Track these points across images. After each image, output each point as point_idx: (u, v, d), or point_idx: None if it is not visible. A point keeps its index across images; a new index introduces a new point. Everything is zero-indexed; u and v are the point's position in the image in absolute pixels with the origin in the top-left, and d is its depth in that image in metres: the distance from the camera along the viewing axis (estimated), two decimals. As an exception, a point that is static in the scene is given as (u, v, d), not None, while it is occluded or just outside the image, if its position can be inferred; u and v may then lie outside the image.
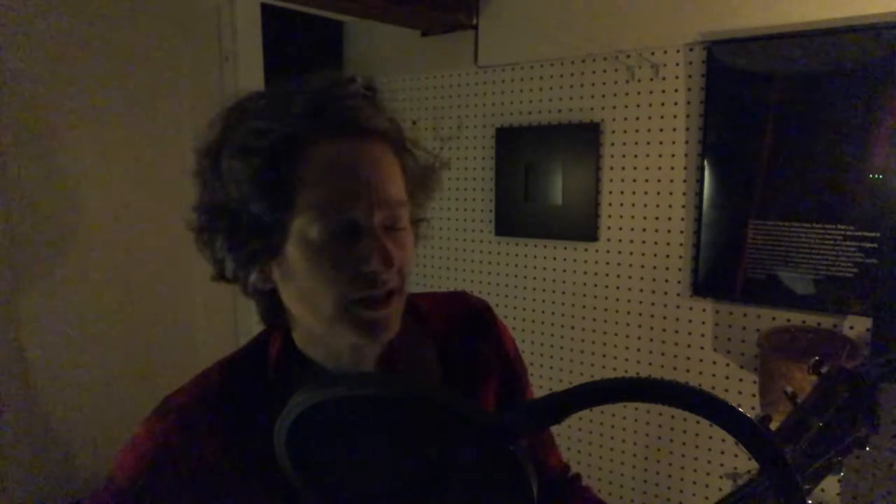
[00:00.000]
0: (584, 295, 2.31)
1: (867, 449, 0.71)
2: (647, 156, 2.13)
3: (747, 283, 1.94)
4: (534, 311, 2.44)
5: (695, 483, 2.13)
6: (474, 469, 0.49)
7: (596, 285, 2.28)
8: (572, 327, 2.35)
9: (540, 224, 2.37)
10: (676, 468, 2.16)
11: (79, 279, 2.02)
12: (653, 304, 2.16)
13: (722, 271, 1.98)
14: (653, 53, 2.07)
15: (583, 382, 0.45)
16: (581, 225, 2.27)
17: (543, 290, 2.41)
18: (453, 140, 2.58)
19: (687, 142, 2.05)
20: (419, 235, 0.80)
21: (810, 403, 0.71)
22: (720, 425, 0.43)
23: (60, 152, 1.97)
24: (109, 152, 2.07)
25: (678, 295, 2.10)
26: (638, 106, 2.13)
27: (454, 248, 2.64)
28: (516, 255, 2.47)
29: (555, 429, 0.56)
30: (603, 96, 2.21)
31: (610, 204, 2.22)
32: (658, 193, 2.11)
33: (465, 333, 0.88)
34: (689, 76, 2.02)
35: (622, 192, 2.19)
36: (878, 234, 1.73)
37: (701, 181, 2.00)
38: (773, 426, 0.71)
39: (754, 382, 1.95)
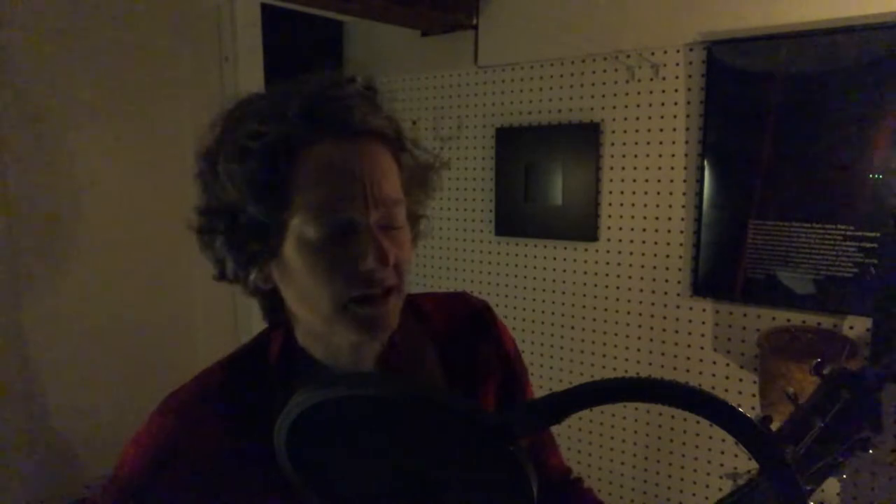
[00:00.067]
0: (584, 295, 2.31)
1: (870, 452, 0.71)
2: (647, 156, 2.13)
3: (747, 283, 1.94)
4: (534, 311, 2.44)
5: (695, 483, 2.13)
6: (474, 469, 0.49)
7: (596, 285, 2.28)
8: (572, 327, 2.35)
9: (540, 224, 2.37)
10: (676, 468, 2.16)
11: (79, 280, 2.02)
12: (653, 304, 2.16)
13: (722, 271, 1.98)
14: (653, 53, 2.07)
15: (583, 382, 0.45)
16: (581, 225, 2.27)
17: (543, 290, 2.41)
18: (453, 140, 2.57)
19: (687, 142, 2.05)
20: (419, 233, 0.81)
21: (812, 404, 0.71)
22: (720, 425, 0.43)
23: (60, 153, 1.97)
24: (109, 153, 2.07)
25: (678, 295, 2.10)
26: (638, 106, 2.13)
27: (454, 248, 2.64)
28: (516, 255, 2.47)
29: (555, 429, 0.56)
30: (603, 96, 2.21)
31: (610, 204, 2.22)
32: (658, 193, 2.11)
33: (465, 333, 0.88)
34: (689, 76, 2.02)
35: (622, 192, 2.19)
36: (878, 234, 1.73)
37: (701, 181, 2.00)
38: (774, 427, 0.71)
39: (754, 382, 1.95)
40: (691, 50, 2.00)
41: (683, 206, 2.07)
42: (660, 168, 2.10)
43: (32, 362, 1.93)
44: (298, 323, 0.75)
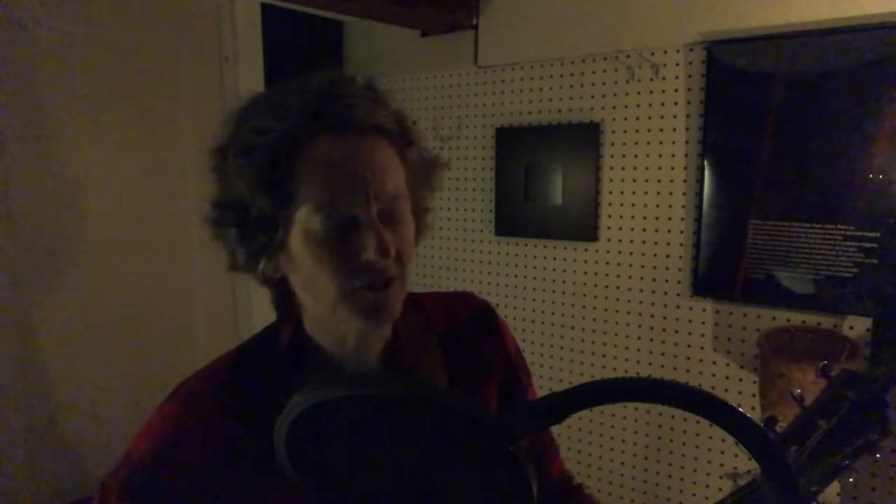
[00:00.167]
0: (584, 295, 2.31)
1: (878, 456, 0.70)
2: (647, 156, 2.13)
3: (747, 283, 1.94)
4: (534, 311, 2.44)
5: (695, 483, 2.13)
6: (474, 469, 0.49)
7: (596, 285, 2.28)
8: (572, 327, 2.35)
9: (540, 224, 2.37)
10: (676, 468, 2.16)
11: (79, 280, 2.02)
12: (653, 304, 2.16)
13: (722, 271, 1.98)
14: (653, 53, 2.07)
15: (583, 382, 0.45)
16: (581, 225, 2.27)
17: (543, 290, 2.41)
18: (453, 140, 2.58)
19: (687, 142, 2.05)
20: (423, 226, 0.82)
21: (817, 406, 0.71)
22: (720, 425, 0.43)
23: (60, 153, 1.97)
24: (109, 152, 2.07)
25: (678, 295, 2.10)
26: (638, 106, 2.13)
27: (454, 248, 2.64)
28: (516, 255, 2.47)
29: (555, 429, 0.56)
30: (603, 96, 2.21)
31: (610, 204, 2.22)
32: (658, 193, 2.11)
33: (468, 333, 0.90)
34: (689, 76, 2.02)
35: (622, 192, 2.19)
36: (878, 234, 1.73)
37: (701, 181, 2.00)
38: (780, 428, 0.71)
39: (754, 382, 1.95)
40: (691, 50, 2.00)
41: (683, 206, 2.07)
42: (660, 168, 2.10)
43: (32, 363, 1.93)
44: (306, 311, 0.78)
